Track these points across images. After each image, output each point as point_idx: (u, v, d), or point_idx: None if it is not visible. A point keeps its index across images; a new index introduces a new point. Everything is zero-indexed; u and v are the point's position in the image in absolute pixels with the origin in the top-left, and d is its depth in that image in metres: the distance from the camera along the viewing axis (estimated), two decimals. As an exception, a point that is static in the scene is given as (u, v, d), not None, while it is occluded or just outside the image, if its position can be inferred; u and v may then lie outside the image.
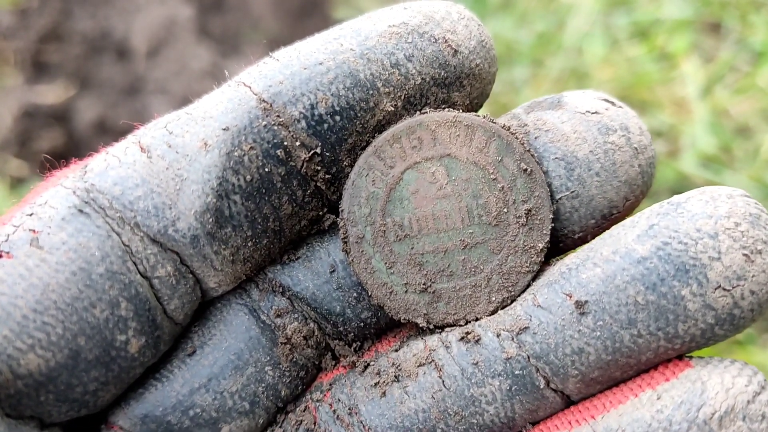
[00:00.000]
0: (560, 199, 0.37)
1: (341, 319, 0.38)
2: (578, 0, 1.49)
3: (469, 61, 0.37)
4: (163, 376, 0.37)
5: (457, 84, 0.37)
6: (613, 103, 0.38)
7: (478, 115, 0.37)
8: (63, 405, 0.34)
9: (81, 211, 0.34)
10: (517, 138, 0.37)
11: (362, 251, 0.37)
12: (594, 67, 1.39)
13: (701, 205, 0.33)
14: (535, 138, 0.37)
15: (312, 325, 0.38)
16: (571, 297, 0.34)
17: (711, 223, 0.32)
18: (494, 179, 0.37)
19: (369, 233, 0.37)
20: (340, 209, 0.37)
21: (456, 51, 0.36)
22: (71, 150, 1.53)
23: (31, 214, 0.34)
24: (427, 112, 0.37)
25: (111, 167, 0.35)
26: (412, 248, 0.37)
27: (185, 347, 0.37)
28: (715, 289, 0.32)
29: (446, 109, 0.37)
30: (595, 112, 0.37)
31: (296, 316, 0.38)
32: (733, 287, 0.32)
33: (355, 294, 0.38)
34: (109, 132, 1.54)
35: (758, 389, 0.32)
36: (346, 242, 0.37)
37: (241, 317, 0.38)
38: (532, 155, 0.37)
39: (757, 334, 1.08)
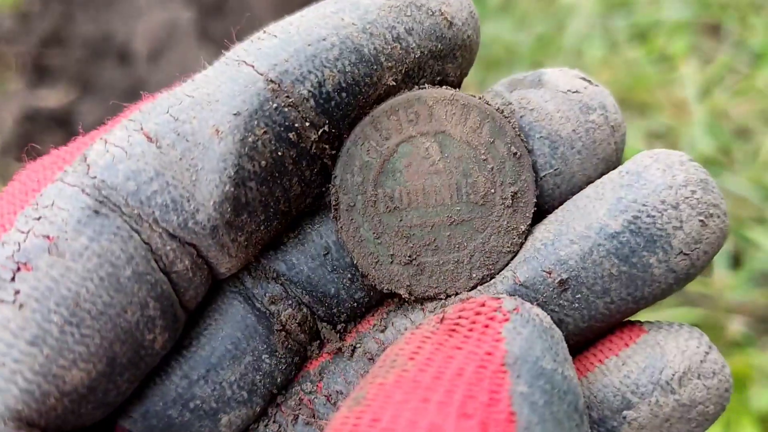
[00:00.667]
0: (544, 176, 0.38)
1: (335, 301, 0.39)
2: (578, 2, 1.49)
3: (462, 33, 0.37)
4: (162, 370, 0.36)
5: (451, 56, 0.37)
6: (590, 82, 0.39)
7: (474, 96, 0.38)
8: (98, 411, 0.33)
9: (96, 212, 0.32)
10: (509, 122, 0.38)
11: (352, 219, 0.38)
12: (593, 69, 1.39)
13: (660, 175, 0.35)
14: (521, 117, 0.38)
15: (305, 310, 0.38)
16: (551, 274, 0.36)
17: (672, 193, 0.35)
18: (485, 160, 0.37)
19: (360, 202, 0.37)
20: (332, 176, 0.37)
21: (451, 23, 0.36)
22: (73, 153, 1.54)
23: (39, 218, 0.32)
24: (425, 88, 0.37)
25: (118, 160, 0.33)
26: (401, 220, 0.38)
27: (182, 340, 0.37)
28: (677, 254, 0.35)
29: (444, 87, 0.38)
30: (576, 91, 0.38)
31: (290, 302, 0.38)
32: (692, 251, 0.35)
33: (349, 275, 0.39)
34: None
35: (707, 349, 0.36)
36: (336, 209, 0.38)
37: (236, 306, 0.37)
38: (522, 140, 0.38)
39: (756, 336, 1.08)
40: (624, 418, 0.35)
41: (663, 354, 0.35)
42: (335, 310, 0.39)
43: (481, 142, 0.37)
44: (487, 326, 0.31)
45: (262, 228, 0.36)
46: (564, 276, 0.36)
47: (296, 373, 0.39)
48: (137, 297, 0.32)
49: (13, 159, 1.48)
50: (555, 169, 0.38)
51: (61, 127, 1.53)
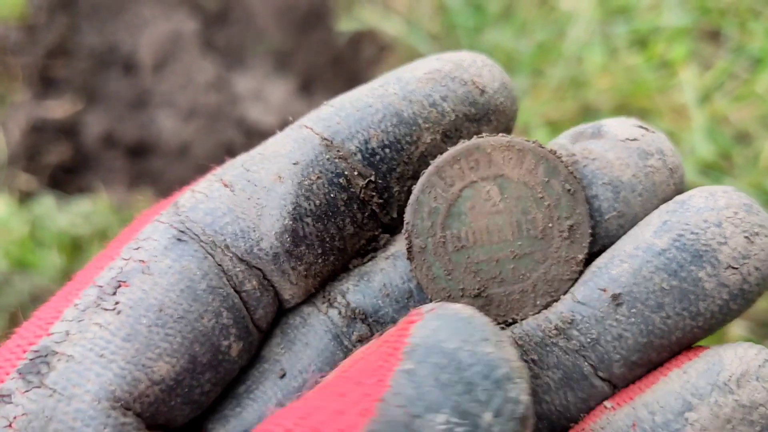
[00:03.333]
0: (609, 218, 0.41)
1: None
2: (577, 10, 1.50)
3: (494, 99, 0.43)
4: (258, 396, 0.41)
5: (485, 119, 0.43)
6: (647, 129, 0.43)
7: (528, 140, 0.42)
8: (186, 407, 0.39)
9: (179, 239, 0.39)
10: (562, 161, 0.41)
11: (424, 260, 0.41)
12: (594, 75, 1.40)
13: (703, 201, 0.39)
14: (584, 166, 0.42)
15: None
16: (606, 291, 0.39)
17: (714, 214, 0.38)
18: (541, 198, 0.41)
19: (430, 244, 0.41)
20: (405, 222, 0.42)
21: (483, 91, 0.42)
22: (79, 164, 1.55)
23: (137, 248, 0.40)
24: (483, 137, 0.41)
25: (200, 201, 0.41)
26: (468, 258, 0.41)
27: (275, 369, 0.42)
28: (726, 268, 0.37)
29: (500, 135, 0.42)
30: (634, 139, 0.42)
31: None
32: (741, 265, 0.37)
33: None
34: (117, 145, 1.56)
35: (767, 357, 0.37)
36: (410, 252, 0.42)
37: (326, 343, 0.42)
38: (576, 177, 0.41)
39: (757, 340, 1.08)
40: (686, 419, 0.36)
41: (721, 360, 0.37)
42: None
43: (537, 181, 0.41)
44: (405, 329, 0.34)
45: (320, 261, 0.42)
46: (617, 291, 0.38)
47: None
48: (212, 306, 0.39)
49: (20, 169, 1.49)
50: (618, 212, 0.41)
51: (67, 137, 1.55)
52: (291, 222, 0.40)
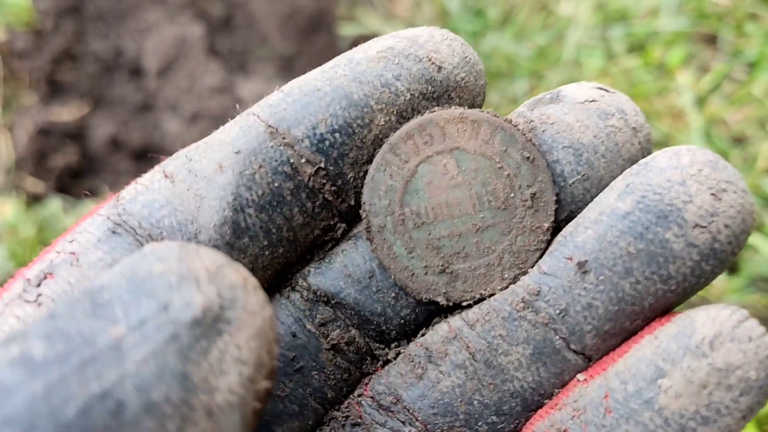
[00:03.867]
0: (573, 183, 0.40)
1: (383, 319, 0.41)
2: (576, 15, 1.51)
3: (454, 75, 0.40)
4: None
5: (445, 97, 0.40)
6: (607, 90, 0.41)
7: (483, 111, 0.40)
8: None
9: (114, 232, 0.38)
10: (518, 129, 0.40)
11: (384, 239, 0.40)
12: (592, 79, 1.40)
13: (666, 160, 0.37)
14: (543, 131, 0.40)
15: (353, 331, 0.41)
16: (571, 260, 0.38)
17: (678, 172, 0.36)
18: (500, 167, 0.40)
19: (389, 222, 0.40)
20: (362, 202, 0.41)
21: (440, 67, 0.40)
22: (85, 167, 1.56)
23: (72, 241, 0.38)
24: (436, 110, 0.40)
25: (139, 193, 0.39)
26: (430, 234, 0.40)
27: None
28: (693, 227, 0.35)
29: (453, 107, 0.40)
30: (593, 101, 0.40)
31: (338, 324, 0.41)
32: (709, 223, 0.35)
33: (393, 294, 0.41)
34: (123, 149, 1.57)
35: (743, 318, 0.35)
36: (369, 232, 0.41)
37: (288, 327, 0.41)
38: (534, 144, 0.40)
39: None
40: (659, 387, 0.35)
41: (693, 322, 0.35)
42: (384, 328, 0.41)
43: (495, 151, 0.40)
44: None
45: (266, 253, 0.39)
46: (582, 258, 0.37)
47: (349, 390, 0.42)
48: None
49: (27, 173, 1.50)
50: (582, 175, 0.39)
51: (74, 141, 1.55)
52: (231, 213, 0.38)
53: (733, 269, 1.18)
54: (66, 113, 1.57)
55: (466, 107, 0.41)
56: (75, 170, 1.54)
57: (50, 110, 1.57)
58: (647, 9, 1.49)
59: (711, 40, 1.44)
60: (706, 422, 0.34)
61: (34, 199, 1.48)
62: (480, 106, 0.42)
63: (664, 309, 0.37)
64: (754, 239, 1.17)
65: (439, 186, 0.40)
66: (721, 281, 1.15)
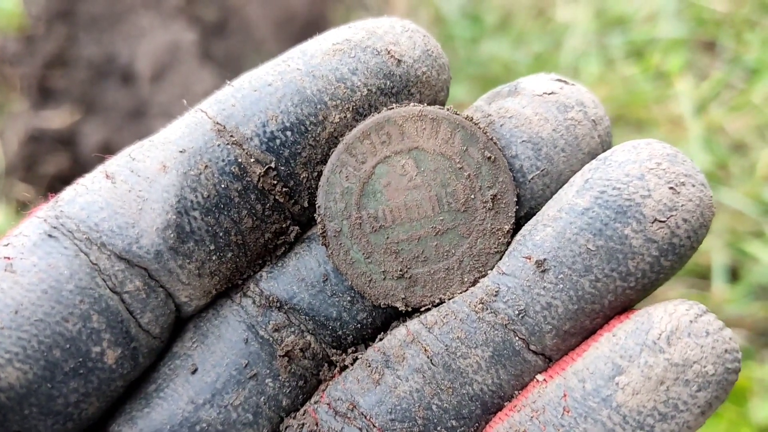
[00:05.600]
0: (532, 178, 0.39)
1: (339, 324, 0.40)
2: (574, 21, 1.51)
3: (415, 70, 0.38)
4: (168, 395, 0.39)
5: (405, 92, 0.39)
6: (566, 82, 0.40)
7: (442, 108, 0.39)
8: (47, 418, 0.36)
9: (50, 235, 0.36)
10: (480, 128, 0.39)
11: (341, 244, 0.39)
12: (590, 86, 1.40)
13: (625, 154, 0.36)
14: (501, 125, 0.39)
15: (308, 337, 0.40)
16: (530, 259, 0.37)
17: (636, 167, 0.35)
18: (460, 168, 0.39)
19: (346, 227, 0.39)
20: (316, 205, 0.39)
21: (400, 61, 0.38)
22: (77, 174, 1.54)
23: (7, 245, 0.36)
24: (393, 108, 0.38)
25: (79, 194, 0.37)
26: (388, 238, 0.39)
27: (187, 365, 0.39)
28: (652, 222, 0.35)
29: (412, 104, 0.39)
30: (552, 93, 0.39)
31: (293, 329, 0.40)
32: (668, 218, 0.35)
33: (348, 298, 0.40)
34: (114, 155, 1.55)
35: (700, 312, 0.35)
36: (324, 236, 0.39)
37: (240, 333, 0.39)
38: (495, 143, 0.39)
39: (755, 349, 1.08)
40: (617, 384, 0.34)
41: (650, 318, 0.35)
42: (340, 333, 0.40)
43: (455, 151, 0.39)
44: None
45: (214, 258, 0.38)
46: (541, 257, 0.36)
47: (305, 397, 0.41)
48: (78, 309, 0.36)
49: (18, 179, 1.49)
50: (542, 170, 0.38)
51: (65, 148, 1.54)
52: (175, 216, 0.37)
53: (733, 278, 1.17)
54: (57, 119, 1.57)
55: (427, 104, 0.40)
56: (66, 177, 1.53)
57: (41, 116, 1.56)
58: (646, 15, 1.48)
59: (710, 47, 1.44)
60: (665, 418, 0.34)
61: (24, 206, 1.46)
62: (443, 103, 0.41)
63: (623, 306, 0.37)
64: (755, 248, 1.16)
65: (397, 188, 0.39)
66: (721, 290, 1.14)
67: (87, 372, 0.36)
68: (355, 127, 0.38)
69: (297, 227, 0.40)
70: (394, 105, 0.39)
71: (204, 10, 1.76)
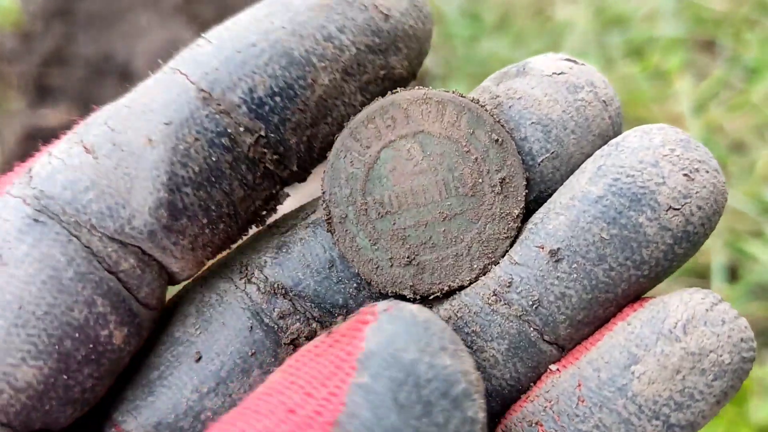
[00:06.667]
0: (542, 161, 0.38)
1: (345, 311, 0.39)
2: (573, 19, 1.50)
3: (402, 24, 0.37)
4: (172, 383, 0.38)
5: (393, 48, 0.37)
6: (575, 62, 0.39)
7: (448, 91, 0.38)
8: (66, 408, 0.35)
9: (36, 220, 0.34)
10: (486, 110, 0.38)
11: (346, 230, 0.38)
12: (589, 85, 1.40)
13: (638, 140, 0.35)
14: (509, 107, 0.38)
15: (314, 325, 0.39)
16: (543, 248, 0.36)
17: (650, 153, 0.35)
18: (467, 151, 0.38)
19: (351, 213, 0.38)
20: (321, 191, 0.38)
21: (387, 16, 0.36)
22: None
23: None
24: (398, 92, 0.38)
25: (57, 170, 0.35)
26: (394, 224, 0.38)
27: (190, 352, 0.38)
28: (667, 210, 0.34)
29: (416, 87, 0.38)
30: (561, 73, 0.38)
31: (298, 317, 0.39)
32: (682, 206, 0.34)
33: (355, 284, 0.39)
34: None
35: (715, 301, 0.34)
36: (330, 223, 0.38)
37: (244, 321, 0.39)
38: (503, 126, 0.38)
39: (756, 348, 1.08)
40: (632, 373, 0.34)
41: (666, 307, 0.34)
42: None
43: (461, 134, 0.38)
44: (358, 330, 0.31)
45: (207, 231, 0.37)
46: (555, 246, 0.36)
47: None
48: (82, 295, 0.34)
49: (14, 177, 1.49)
50: (552, 153, 0.38)
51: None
52: (167, 194, 0.35)
53: (732, 278, 1.17)
54: (54, 117, 1.56)
55: (414, 58, 0.38)
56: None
57: (38, 114, 1.56)
58: (645, 14, 1.48)
59: (709, 46, 1.44)
60: (680, 408, 0.33)
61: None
62: (426, 54, 0.40)
63: (636, 295, 0.36)
64: (754, 248, 1.16)
65: (403, 172, 0.38)
66: (720, 290, 1.14)
67: (98, 356, 0.35)
68: (344, 88, 0.37)
69: (288, 192, 0.39)
70: (398, 89, 0.38)
71: (202, 8, 1.75)
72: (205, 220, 0.36)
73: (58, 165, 0.35)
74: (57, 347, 0.34)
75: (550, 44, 1.51)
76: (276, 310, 0.39)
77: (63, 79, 1.63)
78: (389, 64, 0.38)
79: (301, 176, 0.39)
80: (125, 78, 1.65)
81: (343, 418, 0.28)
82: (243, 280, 0.39)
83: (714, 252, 1.16)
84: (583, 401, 0.35)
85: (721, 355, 0.33)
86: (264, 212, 0.39)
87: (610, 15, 1.50)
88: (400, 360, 0.29)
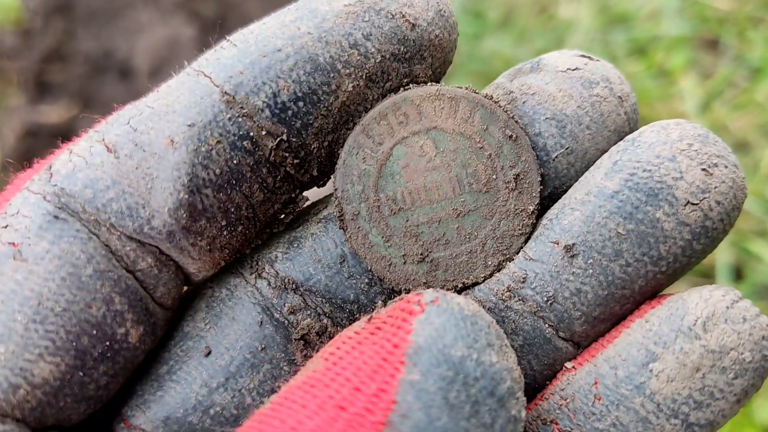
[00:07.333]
0: (557, 157, 0.38)
1: (356, 307, 0.39)
2: (577, 17, 1.50)
3: (428, 33, 0.37)
4: (181, 378, 0.38)
5: (418, 57, 0.37)
6: (590, 58, 0.39)
7: (461, 87, 0.38)
8: (80, 405, 0.35)
9: (56, 217, 0.34)
10: (500, 106, 0.38)
11: (359, 227, 0.38)
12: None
13: (654, 135, 0.35)
14: (523, 102, 0.38)
15: (325, 320, 0.39)
16: (558, 244, 0.36)
17: (667, 148, 0.35)
18: (481, 147, 0.38)
19: (364, 209, 0.38)
20: (334, 188, 0.38)
21: (414, 25, 0.36)
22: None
23: (6, 226, 0.34)
24: (410, 88, 0.37)
25: (78, 169, 0.35)
26: (407, 221, 0.38)
27: (200, 347, 0.38)
28: (685, 205, 0.34)
29: (429, 84, 0.38)
30: (576, 69, 0.38)
31: (309, 312, 0.39)
32: (701, 201, 0.34)
33: (366, 280, 0.39)
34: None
35: (736, 298, 0.34)
36: (342, 220, 0.38)
37: (255, 316, 0.38)
38: (516, 122, 0.37)
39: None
40: (650, 371, 0.33)
41: (685, 304, 0.34)
42: (358, 316, 0.39)
43: (475, 130, 0.37)
44: (404, 320, 0.31)
45: (225, 233, 0.37)
46: (570, 242, 0.35)
47: None
48: (100, 293, 0.34)
49: (14, 173, 1.48)
50: (566, 148, 0.37)
51: (62, 142, 1.54)
52: (187, 195, 0.35)
53: (737, 278, 1.17)
54: (54, 114, 1.56)
55: (438, 67, 0.38)
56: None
57: (38, 110, 1.56)
58: (648, 13, 1.48)
59: (713, 45, 1.44)
60: (700, 406, 0.33)
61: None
62: (451, 63, 0.39)
63: (654, 291, 0.36)
64: (759, 248, 1.16)
65: (416, 169, 0.38)
66: (725, 290, 1.14)
67: (114, 354, 0.35)
68: (367, 95, 0.37)
69: (307, 196, 0.39)
70: (411, 86, 0.38)
71: (203, 5, 1.75)
72: (223, 222, 0.36)
73: (79, 163, 0.35)
74: (74, 344, 0.34)
75: (553, 42, 1.51)
76: (287, 305, 0.38)
77: (63, 76, 1.62)
78: (413, 72, 0.37)
79: (321, 180, 0.39)
80: (125, 75, 1.64)
81: (395, 418, 0.28)
82: (254, 275, 0.39)
83: (719, 251, 1.16)
84: (599, 399, 0.34)
85: (742, 353, 0.33)
86: (282, 216, 0.39)
87: (613, 13, 1.50)
88: (449, 357, 0.29)
